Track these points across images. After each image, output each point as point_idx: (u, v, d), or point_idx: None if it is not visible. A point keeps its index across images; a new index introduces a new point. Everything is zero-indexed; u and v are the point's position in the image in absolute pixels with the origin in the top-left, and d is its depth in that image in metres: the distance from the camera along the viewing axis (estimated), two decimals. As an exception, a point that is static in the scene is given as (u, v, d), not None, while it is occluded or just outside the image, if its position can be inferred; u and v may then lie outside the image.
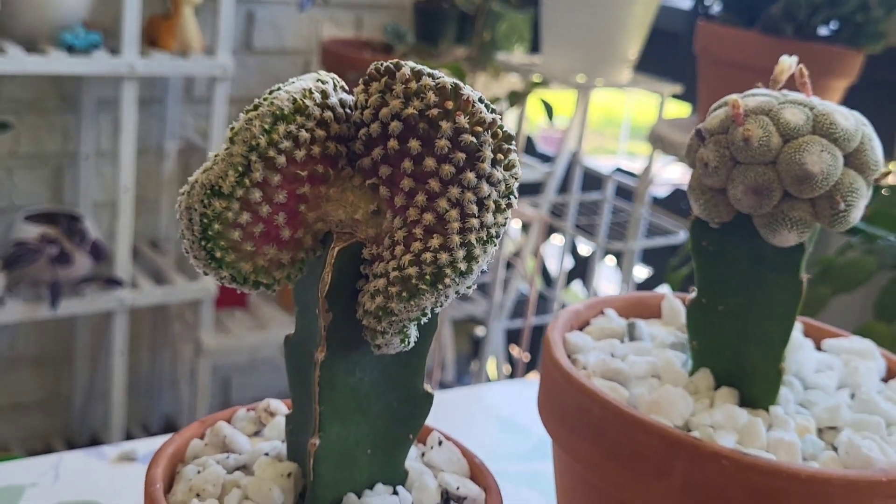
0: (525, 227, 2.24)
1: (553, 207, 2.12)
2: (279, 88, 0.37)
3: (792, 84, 0.45)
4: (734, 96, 0.43)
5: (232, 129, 0.37)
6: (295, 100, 0.37)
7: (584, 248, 2.34)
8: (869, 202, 0.44)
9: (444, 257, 0.35)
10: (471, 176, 0.35)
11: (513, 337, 2.29)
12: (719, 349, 0.48)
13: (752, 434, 0.44)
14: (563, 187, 2.16)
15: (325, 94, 0.37)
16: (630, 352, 0.51)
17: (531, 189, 2.16)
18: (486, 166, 0.36)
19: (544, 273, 2.35)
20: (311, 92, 0.37)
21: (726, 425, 0.45)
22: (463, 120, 0.35)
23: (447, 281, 0.35)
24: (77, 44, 1.65)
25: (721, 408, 0.46)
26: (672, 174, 2.09)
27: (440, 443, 0.46)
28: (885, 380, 0.52)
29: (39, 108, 1.90)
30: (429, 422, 0.44)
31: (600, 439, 0.45)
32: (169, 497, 0.42)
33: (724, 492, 0.42)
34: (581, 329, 0.54)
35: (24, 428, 2.07)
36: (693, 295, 0.48)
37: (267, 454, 0.43)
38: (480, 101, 0.36)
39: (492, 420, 0.78)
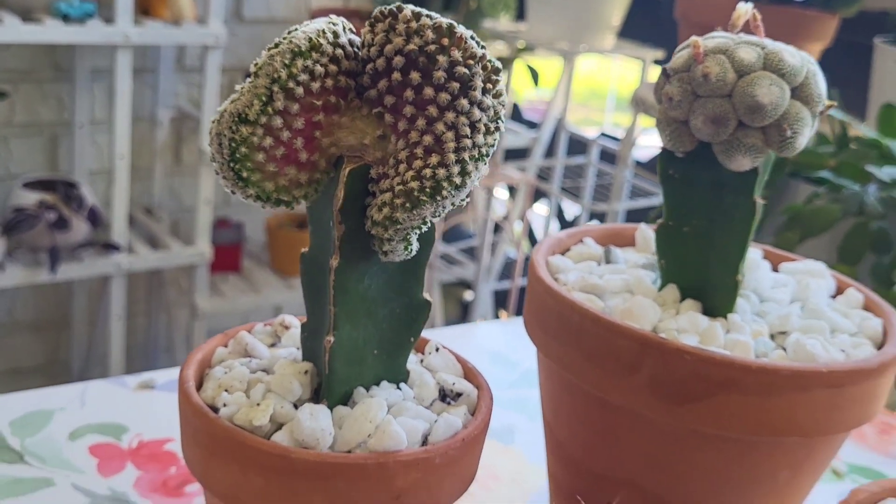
0: (512, 191, 2.29)
1: (539, 171, 2.17)
2: (296, 29, 0.42)
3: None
4: (695, 38, 0.49)
5: (256, 64, 0.42)
6: (311, 38, 0.42)
7: (571, 211, 2.40)
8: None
9: (441, 172, 0.41)
10: (464, 102, 0.41)
11: (500, 300, 2.35)
12: (684, 266, 0.54)
13: (711, 336, 0.50)
14: (549, 152, 2.22)
15: (336, 35, 0.43)
16: (606, 272, 0.57)
17: (518, 154, 2.22)
18: (478, 94, 0.41)
19: (531, 236, 2.41)
20: (324, 32, 0.42)
21: (689, 329, 0.51)
22: (457, 54, 0.41)
23: (444, 193, 0.41)
24: (72, 13, 1.70)
25: (685, 315, 0.52)
26: (653, 138, 2.14)
27: (437, 349, 0.52)
28: (834, 296, 0.58)
29: (34, 78, 1.94)
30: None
31: (580, 344, 0.51)
32: (200, 393, 0.47)
33: (685, 383, 0.48)
34: (562, 254, 0.59)
35: (25, 391, 2.12)
36: (661, 219, 0.54)
37: (286, 359, 0.49)
38: (472, 38, 0.42)
39: (483, 354, 0.84)
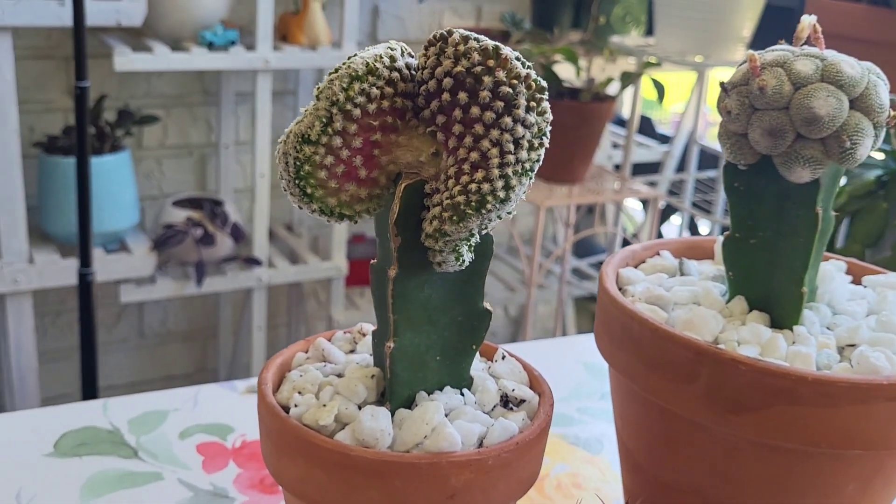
0: (645, 205, 2.28)
1: (672, 186, 2.15)
2: (356, 55, 0.46)
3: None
4: (751, 52, 0.49)
5: (318, 88, 0.45)
6: (367, 63, 0.45)
7: (704, 226, 2.36)
8: (875, 141, 0.49)
9: (486, 187, 0.43)
10: (508, 120, 0.43)
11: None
12: (751, 278, 0.54)
13: (772, 347, 0.51)
14: (681, 167, 2.19)
15: (393, 59, 0.46)
16: (676, 284, 0.57)
17: (649, 168, 2.20)
18: (521, 112, 0.43)
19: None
20: (381, 57, 0.45)
21: (751, 340, 0.51)
22: (501, 74, 0.43)
23: (489, 206, 0.43)
24: (216, 41, 1.80)
25: (748, 326, 0.52)
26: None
27: (503, 357, 0.54)
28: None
29: (185, 102, 2.06)
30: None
31: (640, 353, 0.52)
32: (276, 395, 0.51)
33: (741, 392, 0.48)
34: (636, 267, 0.60)
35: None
36: (728, 231, 0.55)
37: (357, 364, 0.52)
38: (517, 59, 0.44)
39: (579, 366, 0.85)
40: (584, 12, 2.13)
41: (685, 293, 0.56)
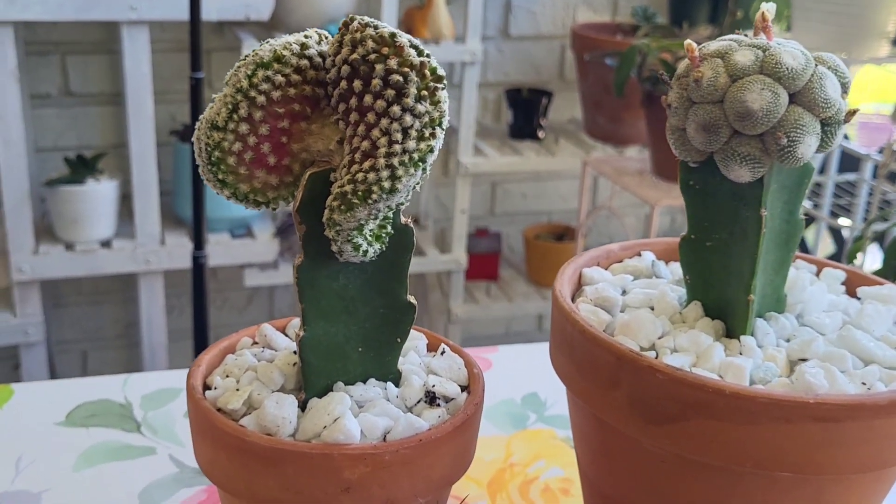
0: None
1: (813, 188, 2.05)
2: (267, 42, 0.46)
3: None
4: (689, 41, 0.46)
5: (227, 75, 0.46)
6: (275, 50, 0.45)
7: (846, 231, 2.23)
8: (826, 138, 0.45)
9: (372, 176, 0.43)
10: (396, 109, 0.42)
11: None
12: (708, 283, 0.51)
13: (706, 356, 0.47)
14: (822, 169, 2.08)
15: (304, 46, 0.46)
16: (638, 286, 0.55)
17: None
18: (410, 101, 0.42)
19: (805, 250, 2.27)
20: (290, 44, 0.45)
21: (689, 349, 0.48)
22: (393, 62, 0.42)
23: (374, 196, 0.43)
24: (339, 34, 1.83)
25: (688, 333, 0.49)
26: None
27: (443, 352, 0.53)
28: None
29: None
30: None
31: (574, 356, 0.50)
32: (209, 378, 0.52)
33: (660, 402, 0.45)
34: (607, 267, 0.58)
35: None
36: (684, 232, 0.51)
37: (295, 352, 0.52)
38: (413, 47, 0.43)
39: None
40: (722, 7, 2.05)
41: (640, 296, 0.53)
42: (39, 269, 1.80)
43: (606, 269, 0.58)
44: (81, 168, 1.84)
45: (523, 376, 0.80)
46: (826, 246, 2.32)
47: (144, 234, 1.84)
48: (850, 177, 1.96)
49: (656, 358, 0.48)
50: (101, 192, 1.82)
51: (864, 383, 0.46)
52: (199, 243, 1.59)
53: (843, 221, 1.98)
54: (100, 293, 2.10)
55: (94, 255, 1.82)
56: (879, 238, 1.98)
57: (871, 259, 2.20)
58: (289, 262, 1.95)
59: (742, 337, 0.49)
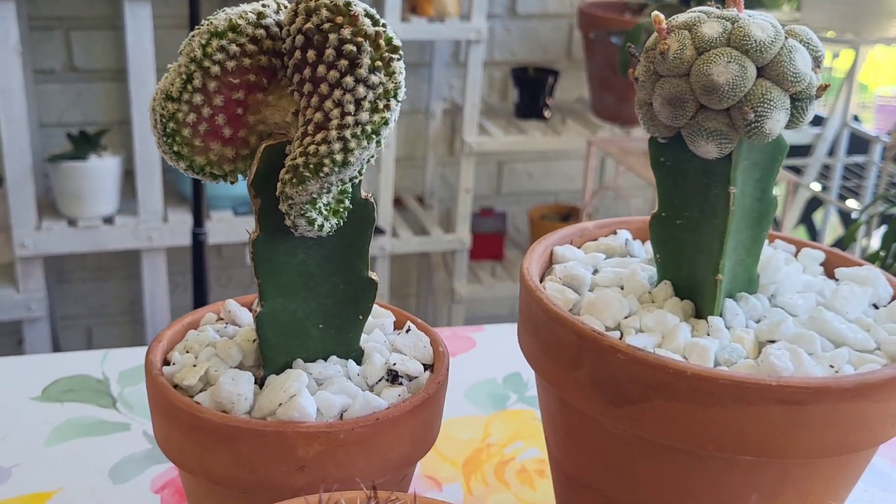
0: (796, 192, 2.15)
1: (822, 171, 2.02)
2: (223, 11, 0.45)
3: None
4: (657, 13, 0.45)
5: (182, 44, 0.45)
6: (230, 19, 0.44)
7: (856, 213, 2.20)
8: (797, 114, 0.44)
9: (323, 149, 0.41)
10: (349, 80, 0.41)
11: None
12: (678, 262, 0.50)
13: (671, 337, 0.46)
14: (832, 151, 2.06)
15: (261, 15, 0.45)
16: (609, 265, 0.54)
17: (801, 152, 2.08)
18: (364, 71, 0.41)
19: (812, 233, 2.25)
20: (246, 13, 0.44)
21: (654, 329, 0.47)
22: (346, 32, 0.41)
23: (326, 169, 0.42)
24: (342, 11, 1.82)
25: (654, 313, 0.48)
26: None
27: (408, 330, 0.52)
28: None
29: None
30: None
31: (538, 335, 0.49)
32: (169, 353, 0.51)
33: (622, 383, 0.44)
34: (580, 246, 0.57)
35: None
36: (655, 209, 0.50)
37: (251, 327, 0.52)
38: (367, 16, 0.42)
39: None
40: (732, -15, 2.03)
41: (610, 275, 0.52)
42: (42, 245, 1.80)
43: (580, 247, 0.56)
44: (84, 144, 1.83)
45: (506, 356, 0.79)
46: (837, 229, 2.30)
47: (147, 211, 1.84)
48: (858, 159, 1.94)
49: (621, 338, 0.47)
50: (103, 169, 1.81)
51: (831, 366, 0.45)
52: (198, 220, 1.58)
53: (851, 204, 1.96)
54: (104, 269, 2.11)
55: (96, 231, 1.82)
56: (888, 220, 1.95)
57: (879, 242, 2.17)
58: (292, 241, 1.94)
59: (710, 317, 0.48)
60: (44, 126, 1.96)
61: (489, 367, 0.78)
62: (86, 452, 0.64)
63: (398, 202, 2.15)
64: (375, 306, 0.55)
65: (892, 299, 0.52)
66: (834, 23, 1.77)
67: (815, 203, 2.18)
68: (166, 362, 0.50)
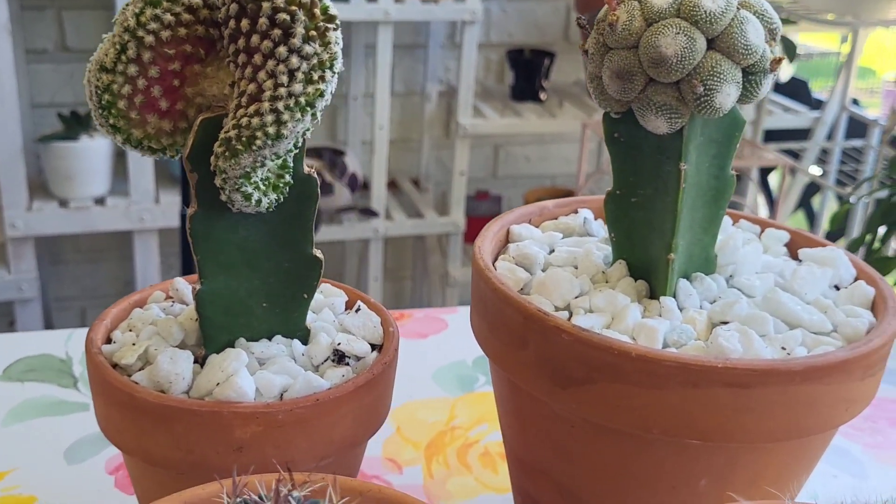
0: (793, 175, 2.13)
1: (820, 155, 2.00)
2: (159, -20, 0.43)
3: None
4: (607, -18, 0.44)
5: (117, 14, 0.44)
6: (166, -12, 0.43)
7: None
8: (750, 88, 0.42)
9: (255, 121, 0.40)
10: (282, 50, 0.40)
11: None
12: (633, 241, 0.49)
13: (621, 318, 0.45)
14: (829, 135, 2.04)
15: (198, -16, 0.43)
16: (567, 244, 0.52)
17: (800, 136, 2.05)
18: (297, 41, 0.40)
19: (810, 217, 2.23)
20: (182, -19, 0.43)
21: (605, 309, 0.46)
22: (280, 0, 0.40)
23: (258, 143, 0.40)
24: (335, -9, 1.80)
25: (605, 293, 0.46)
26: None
27: (358, 310, 0.51)
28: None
29: (317, 53, 2.08)
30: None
31: (486, 314, 0.48)
32: (114, 332, 0.50)
33: (567, 364, 0.43)
34: (538, 225, 0.55)
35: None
36: (610, 188, 0.49)
37: (202, 306, 0.51)
38: (302, -16, 0.40)
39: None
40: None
41: (564, 255, 0.51)
42: (33, 226, 1.79)
43: (538, 226, 0.55)
44: (76, 124, 1.82)
45: (478, 338, 0.77)
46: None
47: (138, 192, 1.83)
48: (856, 143, 1.92)
49: (570, 318, 0.46)
50: (95, 149, 1.80)
51: (783, 348, 0.44)
52: (186, 200, 1.57)
53: (865, 189, 1.94)
54: (97, 251, 2.10)
55: (87, 212, 1.81)
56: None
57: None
58: (285, 223, 1.93)
59: (662, 298, 0.47)
60: (35, 106, 1.95)
61: (459, 349, 0.76)
62: (42, 433, 0.63)
63: (393, 185, 2.14)
64: (327, 285, 0.54)
65: (855, 280, 0.50)
66: (833, 5, 1.75)
67: (813, 188, 2.16)
68: (110, 341, 0.49)
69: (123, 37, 0.43)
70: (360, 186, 1.96)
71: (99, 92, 0.44)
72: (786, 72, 2.33)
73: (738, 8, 0.42)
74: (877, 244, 1.00)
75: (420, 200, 2.10)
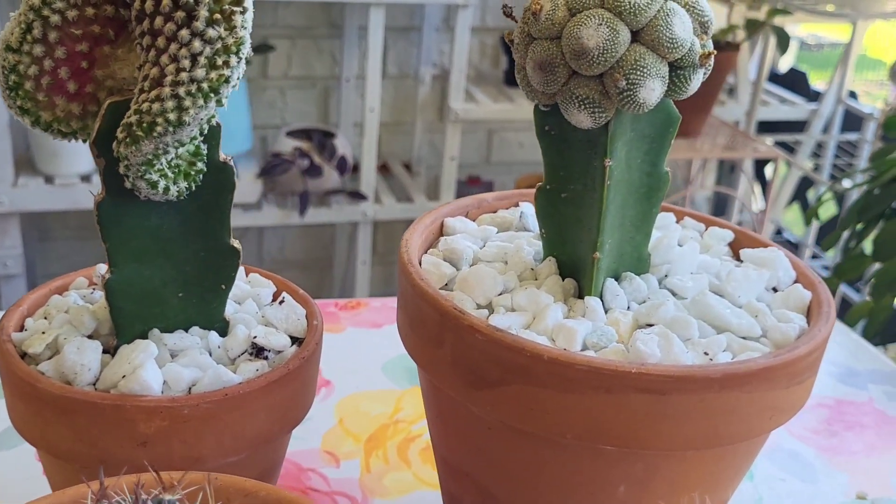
0: (788, 167, 2.11)
1: (815, 148, 1.98)
2: (67, -43, 0.42)
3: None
4: (533, -31, 0.42)
5: (25, -8, 0.42)
6: (73, -34, 0.41)
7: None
8: (678, 83, 0.41)
9: (156, 107, 0.39)
10: (185, 33, 0.38)
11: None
12: (562, 238, 0.47)
13: (541, 317, 0.43)
14: (825, 127, 2.01)
15: (108, -38, 0.42)
16: (500, 239, 0.51)
17: (796, 128, 2.03)
18: (200, 24, 0.38)
19: (805, 209, 2.21)
20: (91, -41, 0.41)
21: (527, 308, 0.44)
22: (183, -19, 0.38)
23: (159, 129, 0.39)
24: (326, -29, 1.78)
25: (527, 291, 0.45)
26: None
27: (282, 301, 0.50)
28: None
29: (311, 34, 2.07)
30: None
31: (407, 310, 0.46)
32: (30, 318, 0.49)
33: (481, 365, 0.42)
34: (475, 219, 0.54)
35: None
36: (541, 182, 0.47)
37: (122, 294, 0.49)
38: (207, -35, 0.39)
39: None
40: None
41: (494, 250, 0.49)
42: (18, 201, 1.78)
43: (475, 219, 0.54)
44: (62, 100, 1.81)
45: (432, 329, 0.76)
46: (830, 207, 2.25)
47: (125, 170, 1.81)
48: (851, 136, 1.89)
49: (488, 316, 0.44)
50: (81, 126, 1.79)
51: (706, 353, 0.42)
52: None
53: (846, 183, 1.92)
54: (86, 228, 2.09)
55: (73, 188, 1.80)
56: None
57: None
58: (272, 204, 1.92)
59: (587, 298, 0.45)
60: (24, 81, 1.94)
61: (412, 340, 0.75)
62: (-24, 417, 0.62)
63: (385, 168, 2.12)
64: (256, 275, 0.53)
65: (794, 283, 0.49)
66: (830, -5, 1.72)
67: (809, 181, 2.14)
68: (24, 328, 0.48)
69: (28, 15, 0.41)
70: (349, 169, 1.95)
71: (5, 72, 0.42)
72: (785, 62, 2.30)
73: (665, 0, 0.40)
74: (852, 242, 0.98)
75: (411, 185, 2.08)
